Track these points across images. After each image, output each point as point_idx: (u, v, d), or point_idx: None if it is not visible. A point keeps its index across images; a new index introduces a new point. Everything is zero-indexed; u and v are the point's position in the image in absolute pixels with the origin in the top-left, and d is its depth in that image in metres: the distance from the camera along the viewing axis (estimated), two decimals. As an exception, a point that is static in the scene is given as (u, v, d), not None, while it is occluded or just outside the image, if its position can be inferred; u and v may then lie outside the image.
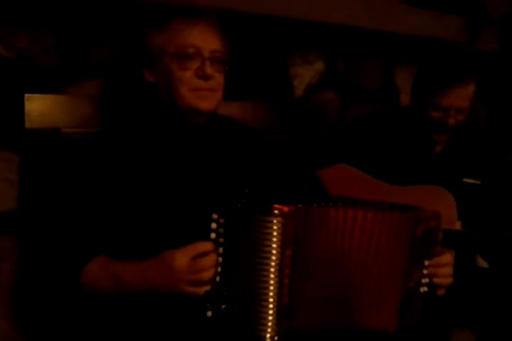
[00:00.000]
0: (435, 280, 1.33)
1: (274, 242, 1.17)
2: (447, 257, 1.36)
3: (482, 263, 2.07)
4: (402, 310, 1.29)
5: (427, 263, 1.31)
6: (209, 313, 1.22)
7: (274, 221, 1.17)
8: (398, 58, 2.40)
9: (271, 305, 1.19)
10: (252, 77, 2.05)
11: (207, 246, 1.21)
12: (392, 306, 1.28)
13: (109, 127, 1.53)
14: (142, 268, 1.25)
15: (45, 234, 1.39)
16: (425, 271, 1.31)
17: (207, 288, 1.21)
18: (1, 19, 1.59)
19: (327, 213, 1.23)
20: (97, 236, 1.33)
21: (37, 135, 1.61)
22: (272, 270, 1.18)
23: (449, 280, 1.37)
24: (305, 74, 2.17)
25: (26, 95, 1.61)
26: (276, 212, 1.18)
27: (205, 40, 1.42)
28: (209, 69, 1.41)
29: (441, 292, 1.37)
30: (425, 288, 1.32)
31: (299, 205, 1.21)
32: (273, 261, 1.18)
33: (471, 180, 1.98)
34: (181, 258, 1.20)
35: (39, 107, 1.62)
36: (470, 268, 2.00)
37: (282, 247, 1.18)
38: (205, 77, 1.41)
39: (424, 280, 1.32)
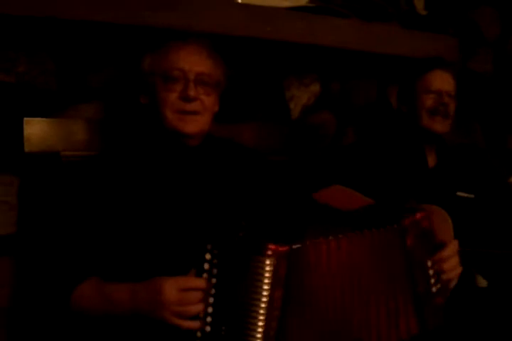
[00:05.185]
0: (443, 276, 1.31)
1: (265, 283, 1.14)
2: (449, 249, 1.33)
3: (482, 283, 2.07)
4: (420, 316, 1.28)
5: (429, 263, 1.29)
6: None
7: (267, 262, 1.14)
8: (393, 79, 2.42)
9: None
10: (250, 100, 2.07)
11: (198, 282, 1.19)
12: (410, 317, 1.27)
13: (106, 150, 1.54)
14: (132, 290, 1.24)
15: (41, 256, 1.39)
16: (431, 271, 1.30)
17: (191, 322, 1.19)
18: (0, 44, 1.61)
19: (320, 249, 1.20)
20: (91, 257, 1.33)
21: (36, 158, 1.62)
22: (261, 312, 1.14)
23: (457, 271, 1.35)
24: (301, 96, 2.19)
25: (25, 119, 1.62)
26: (269, 252, 1.14)
27: (191, 62, 1.44)
28: (192, 92, 1.42)
29: (453, 284, 1.35)
30: (438, 286, 1.31)
31: (294, 246, 1.17)
32: (262, 302, 1.14)
33: (464, 194, 2.00)
34: (170, 289, 1.18)
35: (38, 131, 1.63)
36: (469, 288, 1.99)
37: (272, 289, 1.15)
38: (188, 99, 1.42)
39: (434, 280, 1.30)
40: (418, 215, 1.28)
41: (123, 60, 1.77)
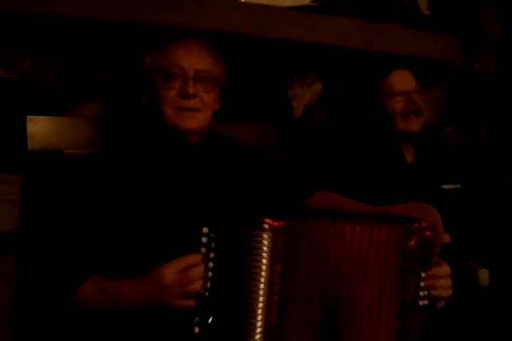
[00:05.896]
0: (433, 292, 1.31)
1: (264, 258, 1.16)
2: (445, 268, 1.34)
3: (483, 282, 2.07)
4: (400, 323, 1.27)
5: (423, 275, 1.29)
6: (196, 329, 1.21)
7: (264, 236, 1.16)
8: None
9: (259, 323, 1.16)
10: (253, 98, 2.07)
11: (193, 258, 1.21)
12: (391, 320, 1.26)
13: (109, 148, 1.55)
14: (134, 285, 1.26)
15: (44, 254, 1.41)
16: (422, 284, 1.29)
17: (198, 300, 1.21)
18: (4, 42, 1.61)
19: (320, 227, 1.22)
20: (94, 255, 1.35)
21: (39, 156, 1.63)
22: (261, 286, 1.15)
23: (448, 293, 1.35)
24: (304, 95, 2.19)
25: (28, 117, 1.63)
26: (266, 226, 1.16)
27: (191, 60, 1.45)
28: (191, 88, 1.43)
29: (440, 304, 1.35)
30: (425, 302, 1.30)
31: (290, 220, 1.19)
32: (262, 277, 1.15)
33: (451, 186, 2.00)
34: (169, 272, 1.20)
35: (41, 129, 1.64)
36: (470, 287, 2.00)
37: (272, 263, 1.16)
38: (187, 96, 1.43)
39: (423, 293, 1.29)
40: (425, 223, 1.29)
41: (127, 58, 1.77)
